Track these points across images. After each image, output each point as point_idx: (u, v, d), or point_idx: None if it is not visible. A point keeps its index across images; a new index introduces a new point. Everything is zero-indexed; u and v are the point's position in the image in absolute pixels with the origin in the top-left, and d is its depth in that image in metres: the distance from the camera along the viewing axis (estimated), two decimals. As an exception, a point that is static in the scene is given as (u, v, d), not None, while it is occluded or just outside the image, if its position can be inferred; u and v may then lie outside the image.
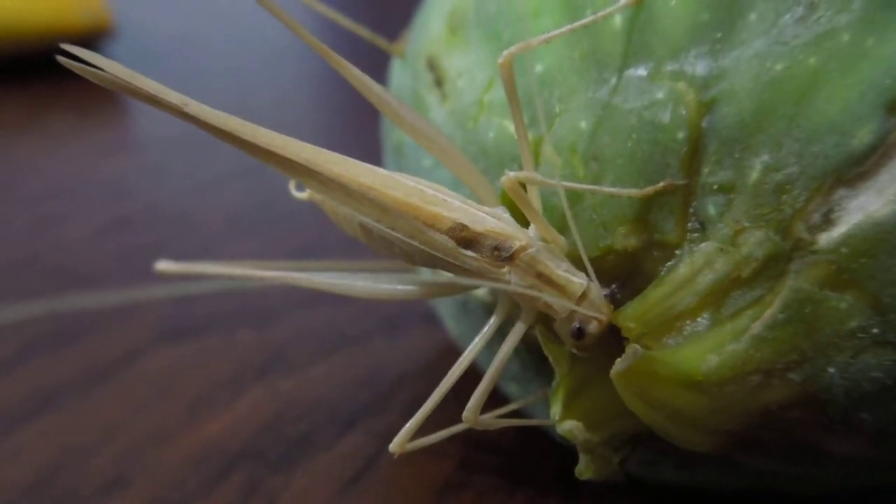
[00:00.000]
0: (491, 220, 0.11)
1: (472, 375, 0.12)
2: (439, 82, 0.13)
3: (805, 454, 0.11)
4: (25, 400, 0.17)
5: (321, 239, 0.24)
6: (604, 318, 0.11)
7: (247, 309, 0.21)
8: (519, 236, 0.11)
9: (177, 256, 0.15)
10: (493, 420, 0.12)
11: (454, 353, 0.12)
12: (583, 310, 0.11)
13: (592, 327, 0.11)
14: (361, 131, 0.24)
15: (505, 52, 0.10)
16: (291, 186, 0.13)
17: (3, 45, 0.35)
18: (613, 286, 0.11)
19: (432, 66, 0.14)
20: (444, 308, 0.16)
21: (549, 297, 0.11)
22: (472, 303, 0.14)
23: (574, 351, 0.11)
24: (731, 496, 0.15)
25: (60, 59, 0.11)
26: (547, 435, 0.15)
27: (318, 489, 0.15)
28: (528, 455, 0.16)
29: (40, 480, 0.15)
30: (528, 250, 0.11)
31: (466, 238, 0.11)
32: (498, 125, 0.12)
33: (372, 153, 0.17)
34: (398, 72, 0.16)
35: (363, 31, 0.16)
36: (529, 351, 0.13)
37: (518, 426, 0.16)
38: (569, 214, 0.10)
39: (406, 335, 0.20)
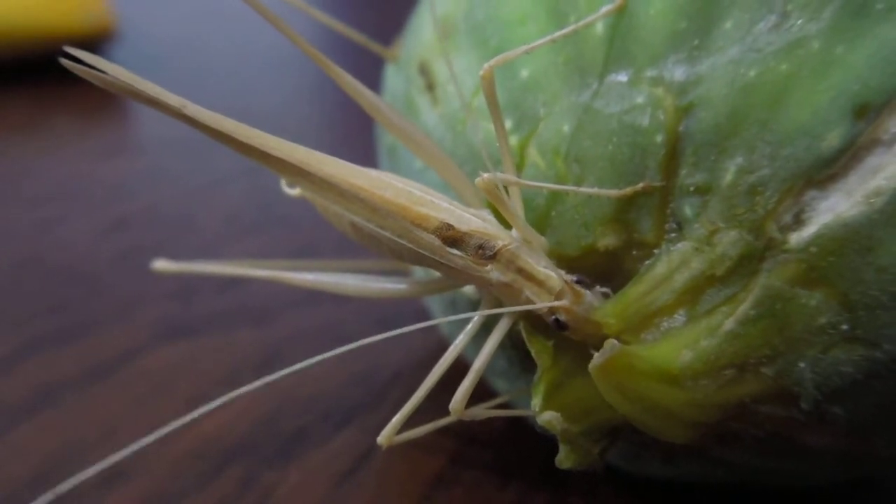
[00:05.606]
0: (476, 220, 0.12)
1: (464, 372, 0.12)
2: (431, 87, 0.14)
3: (782, 447, 0.11)
4: (26, 396, 0.17)
5: (320, 240, 0.24)
6: (566, 303, 0.11)
7: (245, 308, 0.21)
8: (502, 236, 0.11)
9: (176, 257, 0.15)
10: (478, 411, 0.12)
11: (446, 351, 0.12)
12: (556, 303, 0.11)
13: (561, 315, 0.11)
14: (362, 135, 0.24)
15: (486, 65, 0.11)
16: (283, 184, 0.14)
17: (6, 48, 0.35)
18: (579, 277, 0.11)
19: (424, 70, 0.14)
20: (436, 307, 0.16)
21: (528, 291, 0.11)
22: (460, 301, 0.14)
23: (570, 336, 0.11)
24: (716, 490, 0.15)
25: (63, 61, 0.11)
26: (536, 430, 0.16)
27: (312, 484, 0.15)
28: (518, 450, 0.16)
29: (40, 475, 0.15)
30: (510, 248, 0.11)
31: (452, 237, 0.11)
32: (485, 129, 0.12)
33: (373, 156, 0.17)
34: (392, 76, 0.16)
35: (358, 36, 0.16)
36: (515, 347, 0.13)
37: (506, 422, 0.16)
38: (521, 213, 0.11)
39: (400, 334, 0.20)
